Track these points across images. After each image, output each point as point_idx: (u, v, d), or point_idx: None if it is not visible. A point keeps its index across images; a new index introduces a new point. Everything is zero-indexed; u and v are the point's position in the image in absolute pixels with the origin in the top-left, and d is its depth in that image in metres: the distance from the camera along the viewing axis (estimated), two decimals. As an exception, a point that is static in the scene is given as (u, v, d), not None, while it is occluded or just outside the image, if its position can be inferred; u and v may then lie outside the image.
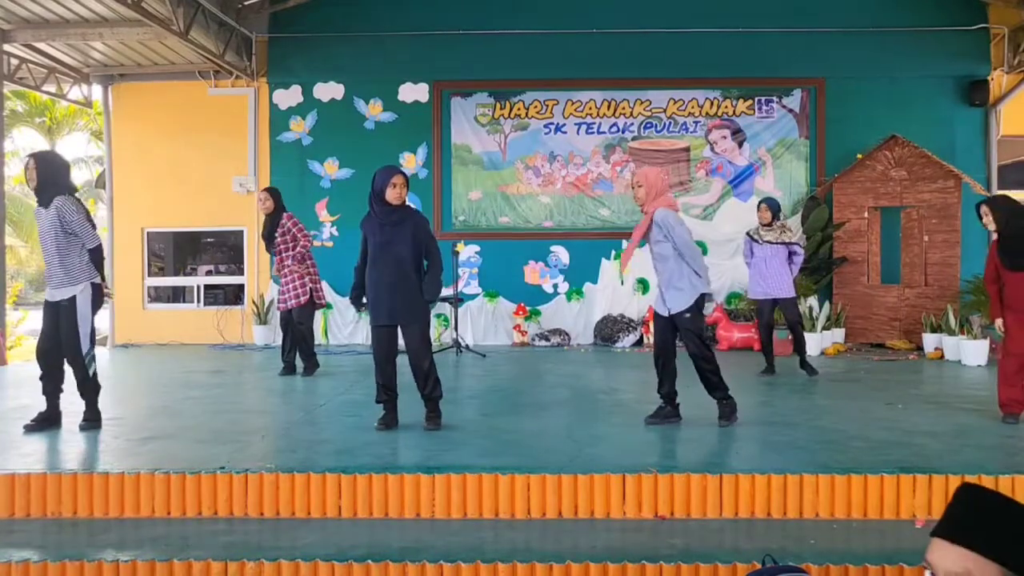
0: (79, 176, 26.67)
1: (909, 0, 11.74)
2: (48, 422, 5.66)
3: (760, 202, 8.46)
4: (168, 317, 12.26)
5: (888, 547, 3.82)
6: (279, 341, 11.63)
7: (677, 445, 5.21)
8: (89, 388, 5.70)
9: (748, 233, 8.38)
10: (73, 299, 5.57)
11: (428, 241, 5.68)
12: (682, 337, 5.67)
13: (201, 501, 4.32)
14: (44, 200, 5.54)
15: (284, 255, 8.25)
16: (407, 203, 5.71)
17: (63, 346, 5.61)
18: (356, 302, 5.87)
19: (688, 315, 5.64)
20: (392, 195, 5.53)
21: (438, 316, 11.59)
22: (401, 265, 5.52)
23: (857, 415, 6.08)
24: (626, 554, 3.64)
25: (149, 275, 12.41)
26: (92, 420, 5.70)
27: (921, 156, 10.92)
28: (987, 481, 4.23)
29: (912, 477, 4.23)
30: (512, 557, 3.63)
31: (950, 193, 10.84)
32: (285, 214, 8.30)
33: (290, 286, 8.26)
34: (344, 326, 11.96)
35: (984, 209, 5.86)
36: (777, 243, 8.13)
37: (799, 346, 8.32)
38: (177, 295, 12.52)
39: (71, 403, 5.87)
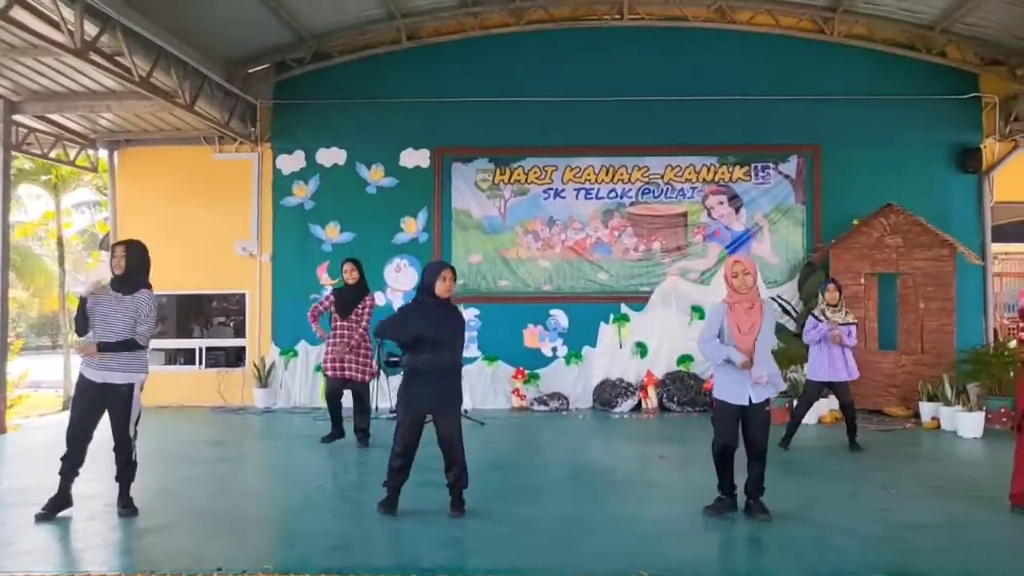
0: (80, 220, 26.92)
1: (903, 69, 11.97)
2: (60, 507, 5.68)
3: (831, 282, 8.57)
4: (169, 379, 12.28)
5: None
6: (280, 404, 11.85)
7: (665, 542, 5.19)
8: (130, 472, 5.78)
9: (814, 314, 8.38)
10: (132, 386, 5.68)
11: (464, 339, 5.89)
12: (758, 429, 5.56)
13: (197, 606, 4.36)
14: (127, 288, 5.68)
15: (355, 326, 8.46)
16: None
17: (115, 430, 5.68)
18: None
19: (768, 406, 5.65)
20: (441, 288, 5.71)
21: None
22: (446, 355, 5.67)
23: (850, 503, 6.11)
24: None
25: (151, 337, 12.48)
26: (130, 506, 5.77)
27: (916, 224, 11.05)
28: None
29: (900, 584, 4.27)
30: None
31: (945, 261, 10.96)
32: (372, 296, 8.66)
33: (367, 359, 8.55)
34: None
35: None
36: (843, 324, 8.22)
37: (853, 428, 8.34)
38: (178, 357, 12.59)
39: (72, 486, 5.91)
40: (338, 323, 8.56)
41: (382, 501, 5.73)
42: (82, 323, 5.70)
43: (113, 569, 4.55)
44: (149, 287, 5.82)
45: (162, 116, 11.51)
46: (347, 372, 8.49)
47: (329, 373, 8.57)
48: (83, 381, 5.69)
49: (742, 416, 5.58)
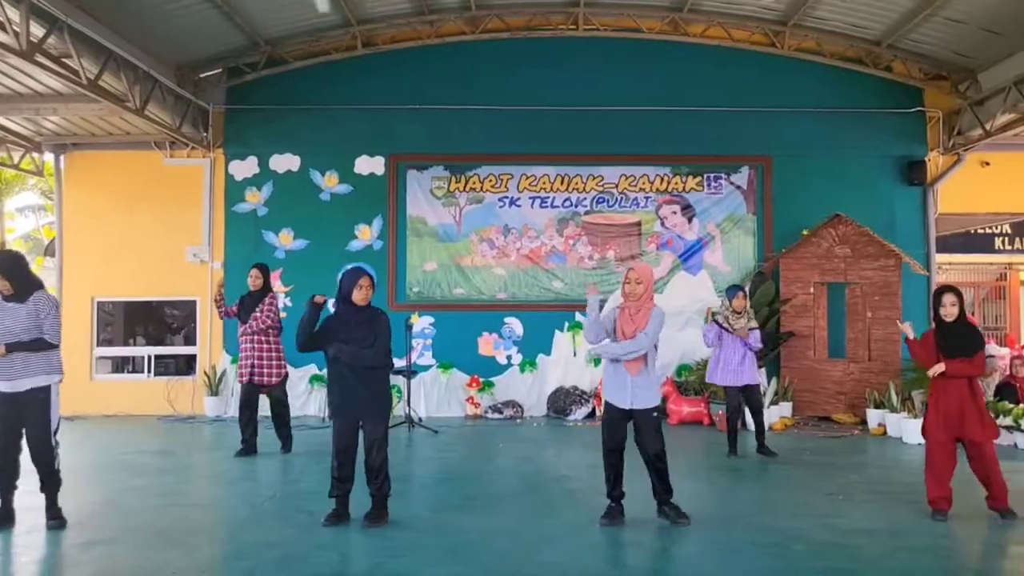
0: (24, 224, 26.18)
1: (851, 83, 12.25)
2: (4, 522, 5.54)
3: (739, 289, 8.66)
4: (116, 388, 12.08)
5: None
6: (231, 412, 11.66)
7: (619, 550, 5.25)
8: (54, 483, 5.62)
9: (716, 320, 8.50)
10: (48, 389, 5.53)
11: (387, 340, 5.74)
12: (647, 434, 5.61)
13: (143, 621, 4.27)
14: (19, 298, 5.52)
15: (259, 328, 8.31)
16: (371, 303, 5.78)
17: (33, 439, 5.51)
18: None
19: (656, 413, 5.71)
20: (358, 296, 5.62)
21: (391, 387, 11.56)
22: (368, 353, 5.56)
23: (799, 509, 6.19)
24: None
25: (98, 345, 12.25)
26: (58, 517, 5.61)
27: (863, 235, 11.29)
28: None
29: (847, 591, 4.33)
30: None
31: (891, 271, 11.22)
32: (271, 293, 8.46)
33: (273, 362, 8.41)
34: (295, 398, 11.85)
35: (952, 299, 5.80)
36: (748, 329, 8.35)
37: (760, 431, 8.52)
38: (126, 365, 12.35)
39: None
40: (241, 327, 8.46)
41: (328, 514, 5.66)
42: None
43: (56, 584, 4.44)
44: (41, 287, 5.68)
45: (111, 120, 11.32)
46: (255, 377, 8.37)
47: (239, 380, 8.56)
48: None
49: (633, 423, 5.67)
